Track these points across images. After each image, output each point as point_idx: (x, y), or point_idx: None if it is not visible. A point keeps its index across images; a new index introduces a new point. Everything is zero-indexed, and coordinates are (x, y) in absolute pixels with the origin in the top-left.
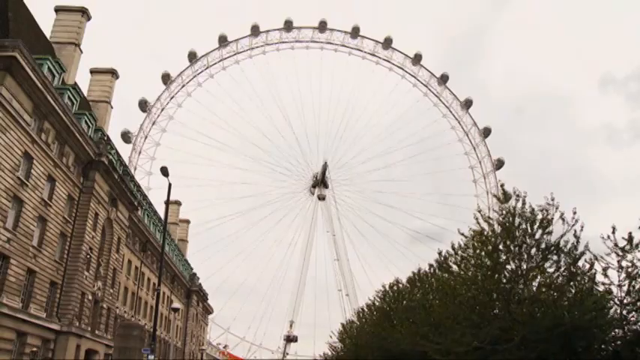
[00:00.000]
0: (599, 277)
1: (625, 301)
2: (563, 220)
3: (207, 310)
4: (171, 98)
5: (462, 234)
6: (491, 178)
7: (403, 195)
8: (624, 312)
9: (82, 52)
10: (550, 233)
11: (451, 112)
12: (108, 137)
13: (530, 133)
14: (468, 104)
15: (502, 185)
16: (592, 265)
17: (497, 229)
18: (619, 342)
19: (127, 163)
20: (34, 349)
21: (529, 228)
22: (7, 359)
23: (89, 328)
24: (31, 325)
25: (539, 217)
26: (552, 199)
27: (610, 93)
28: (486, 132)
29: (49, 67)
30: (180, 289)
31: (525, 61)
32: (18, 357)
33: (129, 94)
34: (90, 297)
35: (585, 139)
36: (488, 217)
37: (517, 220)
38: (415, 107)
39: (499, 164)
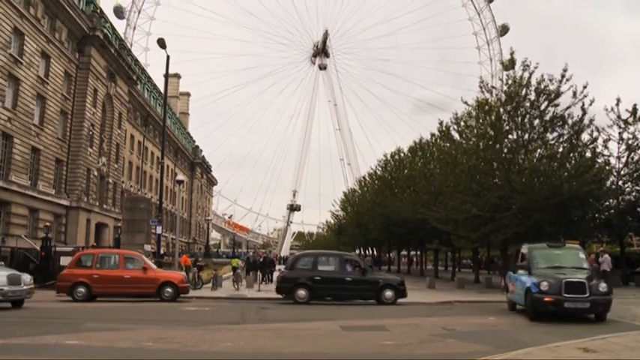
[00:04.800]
0: (600, 150)
1: (622, 172)
2: (574, 93)
3: (212, 182)
4: None
5: (466, 102)
6: (495, 44)
7: (406, 63)
8: (620, 183)
9: None
10: (556, 105)
11: None
12: (101, 10)
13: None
14: None
15: (512, 53)
16: (595, 139)
17: (502, 97)
18: (612, 211)
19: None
20: (47, 223)
21: (535, 99)
22: (23, 233)
23: (97, 203)
24: (41, 201)
25: (547, 87)
26: (565, 70)
27: None
28: None
29: None
30: (184, 162)
31: None
32: (33, 231)
33: None
34: (95, 173)
35: (601, 5)
36: (492, 87)
37: (523, 91)
38: None
39: (503, 30)
